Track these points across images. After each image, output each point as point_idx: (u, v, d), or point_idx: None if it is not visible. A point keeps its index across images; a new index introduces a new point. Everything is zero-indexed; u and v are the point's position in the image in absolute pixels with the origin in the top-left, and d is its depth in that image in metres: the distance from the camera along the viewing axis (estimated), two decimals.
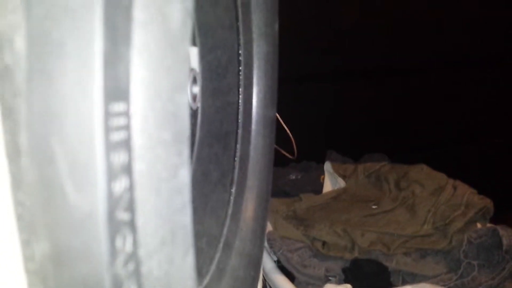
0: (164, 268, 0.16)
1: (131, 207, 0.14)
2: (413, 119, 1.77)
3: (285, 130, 1.48)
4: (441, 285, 1.03)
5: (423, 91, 1.75)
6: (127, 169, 0.13)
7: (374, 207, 1.29)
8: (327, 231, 1.24)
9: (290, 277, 1.18)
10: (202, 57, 0.42)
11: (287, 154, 1.45)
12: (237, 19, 0.43)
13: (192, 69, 0.38)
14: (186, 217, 0.17)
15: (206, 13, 0.40)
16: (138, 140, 0.14)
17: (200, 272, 0.36)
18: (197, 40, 0.41)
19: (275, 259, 1.23)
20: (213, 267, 0.38)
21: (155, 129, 0.14)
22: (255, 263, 0.43)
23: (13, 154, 0.11)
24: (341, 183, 1.47)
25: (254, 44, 0.46)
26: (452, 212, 1.18)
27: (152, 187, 0.15)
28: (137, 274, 0.15)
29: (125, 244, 0.14)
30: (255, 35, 0.45)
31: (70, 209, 0.12)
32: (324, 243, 1.24)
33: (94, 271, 0.12)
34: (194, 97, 0.38)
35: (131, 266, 0.14)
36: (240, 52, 0.43)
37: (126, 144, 0.13)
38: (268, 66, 0.48)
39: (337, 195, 1.40)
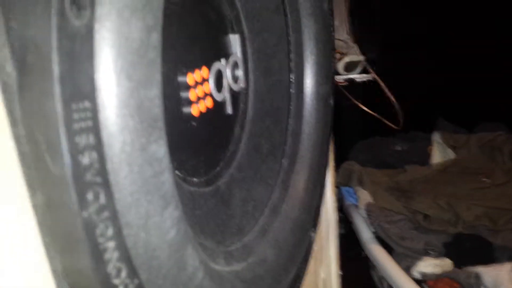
0: (143, 219, 0.22)
1: (102, 173, 0.20)
2: None
3: (391, 99, 1.43)
4: None
5: None
6: (95, 147, 0.20)
7: (484, 179, 1.20)
8: (430, 203, 1.20)
9: (389, 248, 1.17)
10: (250, 41, 0.46)
11: (391, 125, 1.41)
12: (283, 2, 0.47)
13: (232, 55, 0.43)
14: (161, 181, 0.23)
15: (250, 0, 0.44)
16: (104, 126, 0.20)
17: (242, 230, 0.42)
18: (244, 26, 0.45)
19: (373, 230, 1.23)
20: (256, 227, 0.43)
21: (121, 117, 0.20)
22: (301, 228, 0.48)
23: (17, 137, 0.18)
24: (451, 154, 1.39)
25: (303, 24, 0.48)
26: None
27: (122, 159, 0.21)
28: (113, 219, 0.21)
29: (98, 198, 0.20)
30: (302, 16, 0.48)
31: (50, 174, 0.19)
32: (425, 216, 1.20)
33: (71, 215, 0.19)
34: (236, 80, 0.43)
35: (106, 214, 0.20)
36: (289, 32, 0.47)
37: (93, 130, 0.19)
38: (319, 44, 0.50)
39: (444, 167, 1.33)
